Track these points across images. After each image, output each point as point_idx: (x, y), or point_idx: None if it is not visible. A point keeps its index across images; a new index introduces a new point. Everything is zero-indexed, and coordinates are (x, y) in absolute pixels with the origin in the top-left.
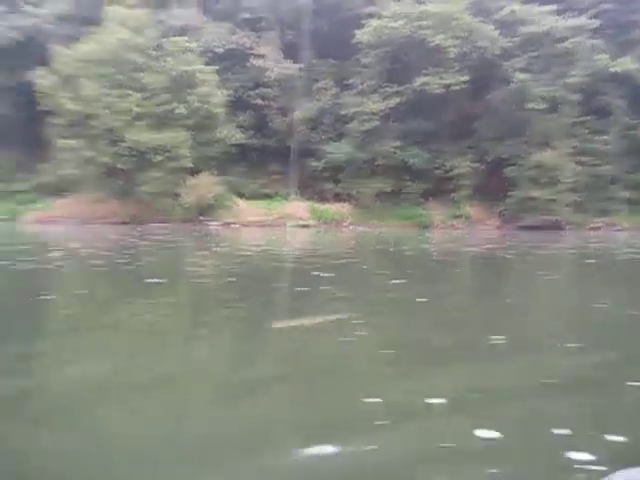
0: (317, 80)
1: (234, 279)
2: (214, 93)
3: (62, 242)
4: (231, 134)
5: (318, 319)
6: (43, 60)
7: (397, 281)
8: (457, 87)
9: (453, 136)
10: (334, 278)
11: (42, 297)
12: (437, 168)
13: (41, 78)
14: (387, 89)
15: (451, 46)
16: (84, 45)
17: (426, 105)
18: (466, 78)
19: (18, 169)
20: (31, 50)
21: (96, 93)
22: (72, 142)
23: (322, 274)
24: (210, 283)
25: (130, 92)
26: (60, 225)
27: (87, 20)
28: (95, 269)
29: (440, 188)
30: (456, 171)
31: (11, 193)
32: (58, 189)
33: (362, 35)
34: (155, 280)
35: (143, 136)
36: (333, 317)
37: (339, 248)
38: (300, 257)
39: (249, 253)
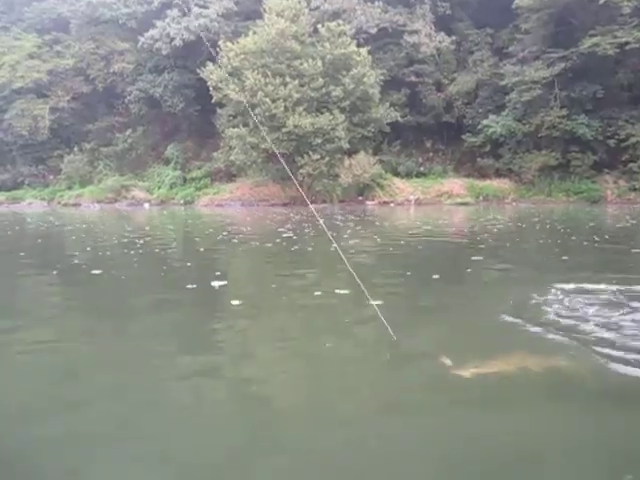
0: (473, 52)
1: None
2: (369, 74)
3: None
4: (386, 113)
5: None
6: (212, 56)
7: None
8: (635, 45)
9: (628, 101)
10: None
11: None
12: (609, 137)
13: (210, 73)
14: (551, 54)
15: (625, 0)
16: (247, 39)
17: (596, 69)
18: None
19: (194, 157)
20: (201, 48)
21: (258, 83)
22: (238, 130)
23: None
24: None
25: (289, 79)
26: (228, 207)
27: (249, 15)
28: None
29: (613, 159)
30: (633, 139)
31: (188, 180)
32: (228, 175)
33: None
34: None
35: (302, 121)
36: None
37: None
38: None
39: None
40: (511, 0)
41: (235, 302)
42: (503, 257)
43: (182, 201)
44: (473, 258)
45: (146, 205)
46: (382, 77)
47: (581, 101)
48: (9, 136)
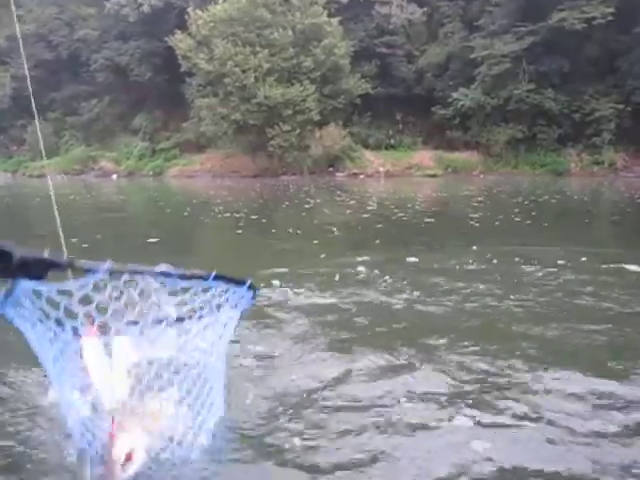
0: (444, 24)
1: None
2: (339, 45)
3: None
4: (357, 85)
5: None
6: (181, 24)
7: None
8: (601, 20)
9: (594, 76)
10: None
11: None
12: (575, 111)
13: (179, 41)
14: (520, 28)
15: None
16: (216, 6)
17: (563, 43)
18: (612, 10)
19: (163, 128)
20: (170, 15)
21: (228, 52)
22: (208, 101)
23: None
24: None
25: (259, 49)
26: (199, 179)
27: None
28: None
29: (578, 133)
30: (597, 114)
31: (157, 151)
32: (198, 146)
33: None
34: None
35: (272, 91)
36: None
37: None
38: None
39: None
40: None
41: None
42: None
43: (151, 172)
44: None
45: (114, 176)
46: (353, 48)
47: (548, 75)
48: None
